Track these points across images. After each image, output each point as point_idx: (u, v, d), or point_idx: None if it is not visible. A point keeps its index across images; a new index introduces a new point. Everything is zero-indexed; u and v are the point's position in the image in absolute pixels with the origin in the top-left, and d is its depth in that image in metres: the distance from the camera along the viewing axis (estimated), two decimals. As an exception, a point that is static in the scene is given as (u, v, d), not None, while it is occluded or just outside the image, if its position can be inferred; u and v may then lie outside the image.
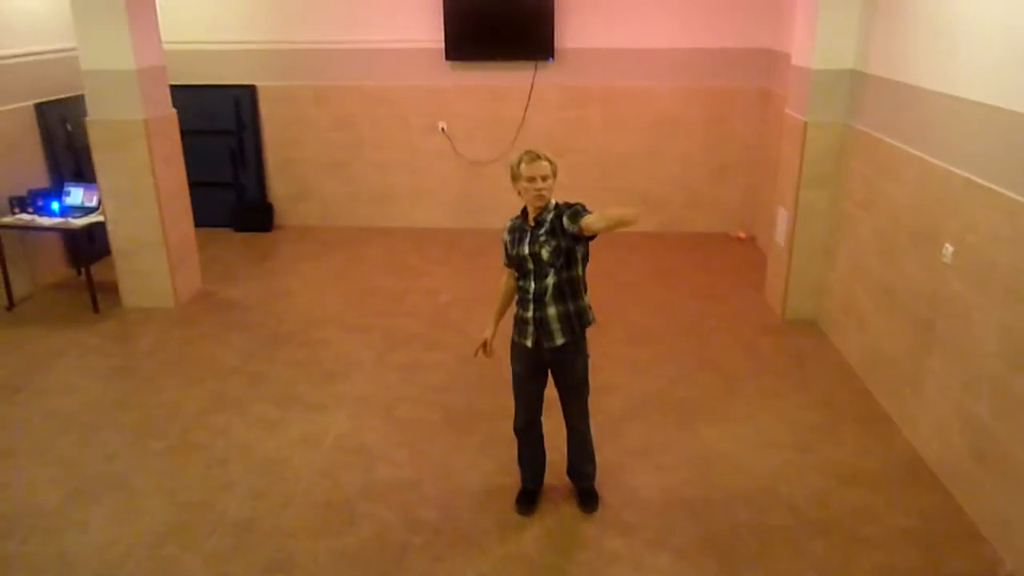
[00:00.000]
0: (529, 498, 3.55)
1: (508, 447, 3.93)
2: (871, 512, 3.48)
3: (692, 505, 3.55)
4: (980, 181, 3.41)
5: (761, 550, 3.26)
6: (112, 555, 3.25)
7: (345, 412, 4.34)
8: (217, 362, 4.92)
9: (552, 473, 3.72)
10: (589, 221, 2.97)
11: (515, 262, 3.28)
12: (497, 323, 3.48)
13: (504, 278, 3.44)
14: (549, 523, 3.44)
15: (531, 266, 3.23)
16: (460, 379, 4.69)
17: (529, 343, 3.29)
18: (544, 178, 3.12)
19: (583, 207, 3.10)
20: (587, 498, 3.55)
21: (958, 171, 3.60)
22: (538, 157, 3.14)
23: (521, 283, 3.30)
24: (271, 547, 3.29)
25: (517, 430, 3.51)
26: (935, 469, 3.75)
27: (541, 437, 3.56)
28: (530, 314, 3.26)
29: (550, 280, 3.21)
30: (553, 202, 3.22)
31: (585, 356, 3.38)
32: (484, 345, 3.47)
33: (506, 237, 3.34)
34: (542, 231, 3.18)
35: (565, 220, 3.08)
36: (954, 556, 3.21)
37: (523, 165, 3.14)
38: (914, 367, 3.99)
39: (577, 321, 3.28)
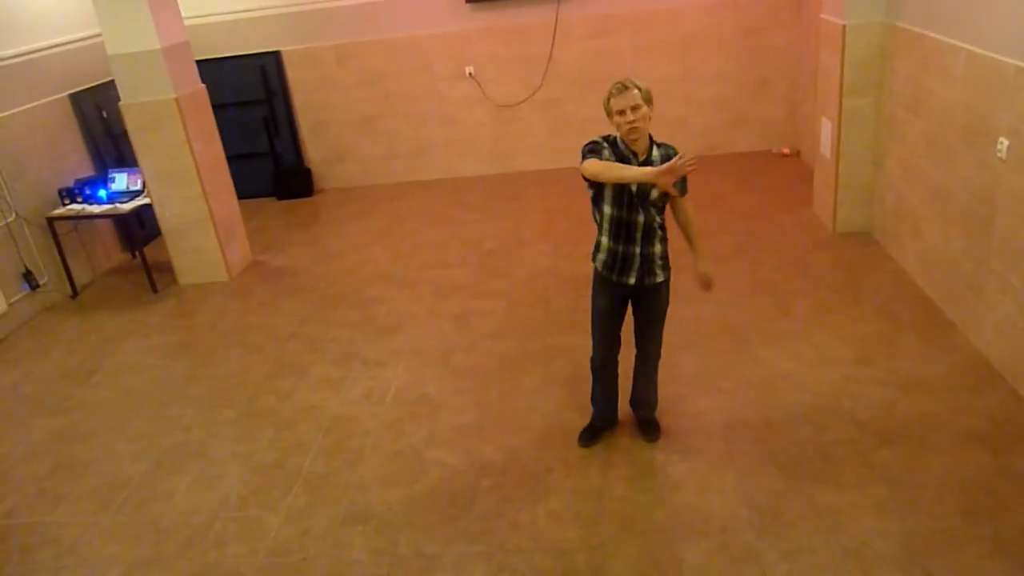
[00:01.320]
0: (594, 433, 3.61)
1: (564, 386, 3.99)
2: (937, 418, 3.44)
3: (753, 427, 3.56)
4: (1034, 68, 3.24)
5: (826, 464, 3.26)
6: (199, 519, 3.43)
7: (403, 365, 4.44)
8: (275, 329, 5.06)
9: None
10: (687, 207, 3.30)
11: (620, 192, 3.09)
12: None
13: (592, 163, 2.99)
14: (613, 455, 3.49)
15: (636, 200, 3.09)
16: (511, 324, 4.74)
17: (632, 280, 3.22)
18: (635, 108, 2.95)
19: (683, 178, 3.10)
20: (649, 427, 3.59)
21: (1009, 60, 3.42)
22: (626, 87, 2.96)
23: (621, 215, 3.13)
24: (347, 500, 3.43)
25: (596, 368, 3.52)
26: (1001, 370, 3.68)
27: (616, 375, 3.57)
28: (638, 249, 3.18)
29: (654, 219, 3.16)
30: (651, 139, 3.10)
31: (669, 291, 3.38)
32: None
33: (608, 153, 3.04)
34: (659, 166, 2.95)
35: (679, 185, 3.15)
36: (1026, 455, 3.17)
37: (612, 99, 2.99)
38: (974, 269, 3.87)
39: (667, 261, 3.30)
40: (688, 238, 3.33)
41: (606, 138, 3.10)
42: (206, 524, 3.40)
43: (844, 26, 4.85)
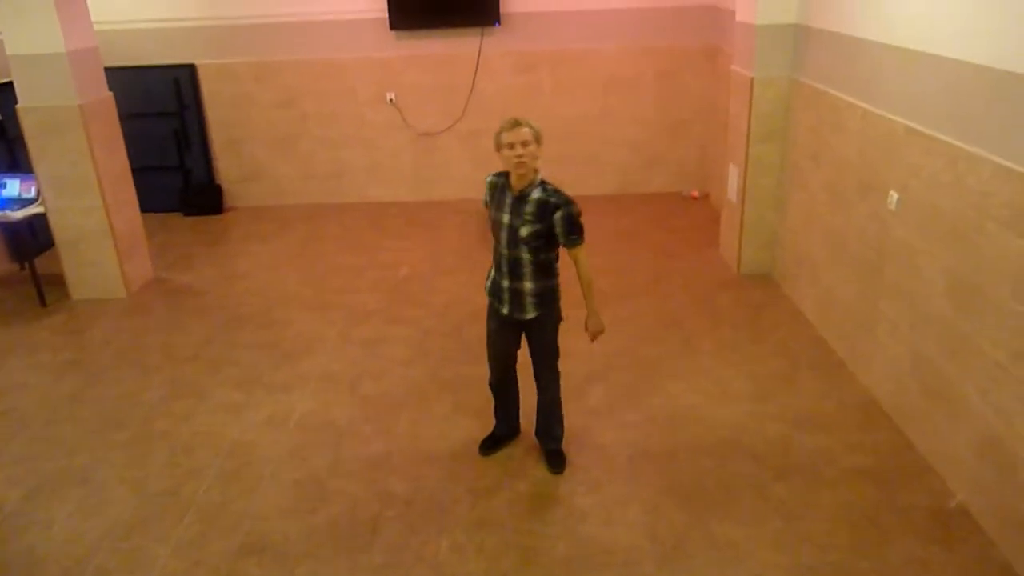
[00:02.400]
0: (493, 441, 3.70)
1: (474, 417, 3.97)
2: (829, 454, 3.60)
3: (657, 459, 3.62)
4: (921, 128, 3.49)
5: (726, 497, 3.35)
6: (79, 549, 3.21)
7: (310, 391, 4.32)
8: (175, 349, 4.84)
9: (520, 438, 3.77)
10: (577, 258, 3.28)
11: (493, 224, 3.30)
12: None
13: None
14: (519, 487, 3.48)
15: (504, 234, 3.23)
16: (423, 353, 4.69)
17: (504, 310, 3.36)
18: (524, 144, 3.10)
19: (578, 230, 3.21)
20: (555, 458, 3.60)
21: (900, 119, 3.68)
22: (519, 123, 3.12)
23: (496, 246, 3.32)
24: (242, 530, 3.28)
25: (492, 386, 3.64)
26: (888, 409, 3.89)
27: (513, 391, 3.67)
28: (506, 284, 3.30)
29: (524, 256, 3.23)
30: (539, 178, 3.21)
31: (555, 322, 3.44)
32: None
33: (487, 189, 3.33)
34: (528, 209, 3.16)
35: (560, 229, 3.18)
36: (908, 490, 3.34)
37: (504, 133, 3.13)
38: (865, 312, 4.10)
39: (549, 297, 3.36)
40: (583, 286, 3.37)
41: (501, 172, 3.29)
42: (86, 555, 3.18)
43: (752, 78, 5.11)
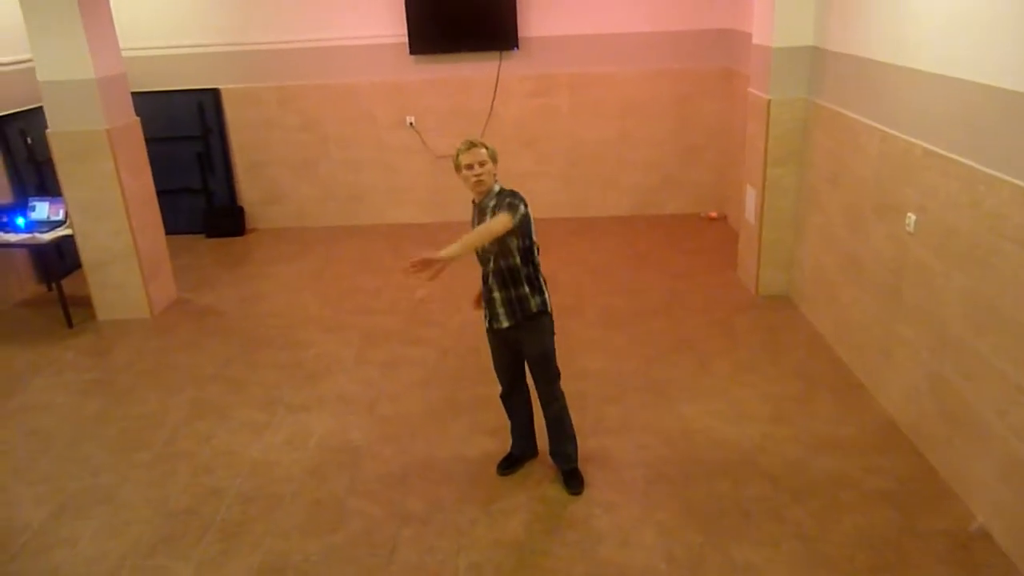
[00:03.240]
0: (510, 461, 3.74)
1: (490, 437, 3.99)
2: (848, 478, 3.58)
3: (674, 481, 3.62)
4: (938, 150, 3.50)
5: (743, 520, 3.34)
6: (103, 568, 3.26)
7: (329, 412, 4.36)
8: (197, 370, 4.91)
9: (538, 459, 3.79)
10: (496, 217, 3.20)
11: None
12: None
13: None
14: (536, 507, 3.49)
15: (483, 247, 3.34)
16: (440, 373, 4.73)
17: (494, 323, 3.49)
18: (481, 163, 3.25)
19: (511, 208, 3.18)
20: (571, 479, 3.62)
21: (917, 141, 3.69)
22: (474, 145, 3.27)
23: (480, 263, 3.46)
24: (263, 550, 3.31)
25: (502, 398, 3.72)
26: (908, 432, 3.86)
27: (526, 403, 3.72)
28: (493, 295, 3.44)
29: (491, 266, 3.38)
30: (496, 188, 3.35)
31: (542, 340, 3.45)
32: None
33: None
34: (486, 218, 3.31)
35: (504, 206, 3.21)
36: (928, 514, 3.31)
37: (461, 155, 3.27)
38: (884, 335, 4.09)
39: (519, 307, 3.39)
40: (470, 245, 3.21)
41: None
42: (110, 573, 3.22)
43: (769, 100, 5.14)
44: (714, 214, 7.46)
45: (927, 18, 3.57)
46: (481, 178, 3.26)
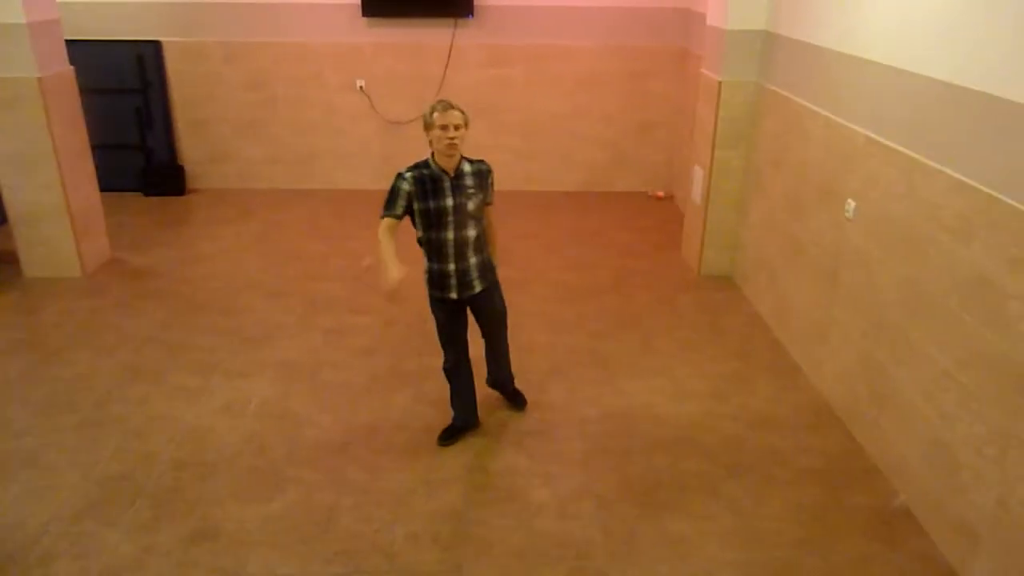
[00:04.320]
0: (452, 432, 3.76)
1: (432, 407, 3.98)
2: (781, 455, 3.68)
3: (614, 455, 3.67)
4: (879, 139, 3.58)
5: (679, 495, 3.41)
6: (26, 532, 3.15)
7: (269, 378, 4.28)
8: (131, 332, 4.76)
9: (479, 431, 3.80)
10: (490, 216, 3.54)
11: (430, 215, 3.31)
12: (393, 261, 3.24)
13: (383, 229, 3.29)
14: (475, 478, 3.50)
15: (451, 217, 3.30)
16: (385, 342, 4.68)
17: (454, 295, 3.44)
18: (456, 127, 3.23)
19: (492, 188, 3.47)
20: (518, 397, 3.99)
21: (860, 129, 3.77)
22: (451, 107, 3.24)
23: (436, 235, 3.35)
24: (196, 516, 3.25)
25: (448, 371, 3.70)
26: (839, 413, 3.99)
27: (471, 373, 3.76)
28: (452, 267, 3.39)
29: (471, 232, 3.36)
30: (460, 155, 3.34)
31: (501, 294, 3.66)
32: (392, 292, 3.23)
33: (409, 187, 3.28)
34: (468, 183, 3.31)
35: (491, 191, 3.44)
36: (855, 491, 3.44)
37: (436, 114, 3.23)
38: (821, 318, 4.20)
39: (488, 269, 3.54)
40: (489, 241, 3.58)
41: (418, 164, 3.32)
42: (33, 538, 3.12)
43: (720, 82, 5.18)
44: (661, 193, 7.53)
45: (877, 9, 3.63)
46: (454, 141, 3.23)
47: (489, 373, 3.95)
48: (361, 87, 7.23)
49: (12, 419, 3.89)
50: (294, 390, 4.17)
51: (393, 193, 3.31)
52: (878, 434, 3.61)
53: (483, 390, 3.94)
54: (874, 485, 3.49)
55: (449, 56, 7.14)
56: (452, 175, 3.31)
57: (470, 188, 3.34)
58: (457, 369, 3.70)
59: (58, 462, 3.58)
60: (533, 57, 7.19)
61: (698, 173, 5.66)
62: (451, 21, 7.01)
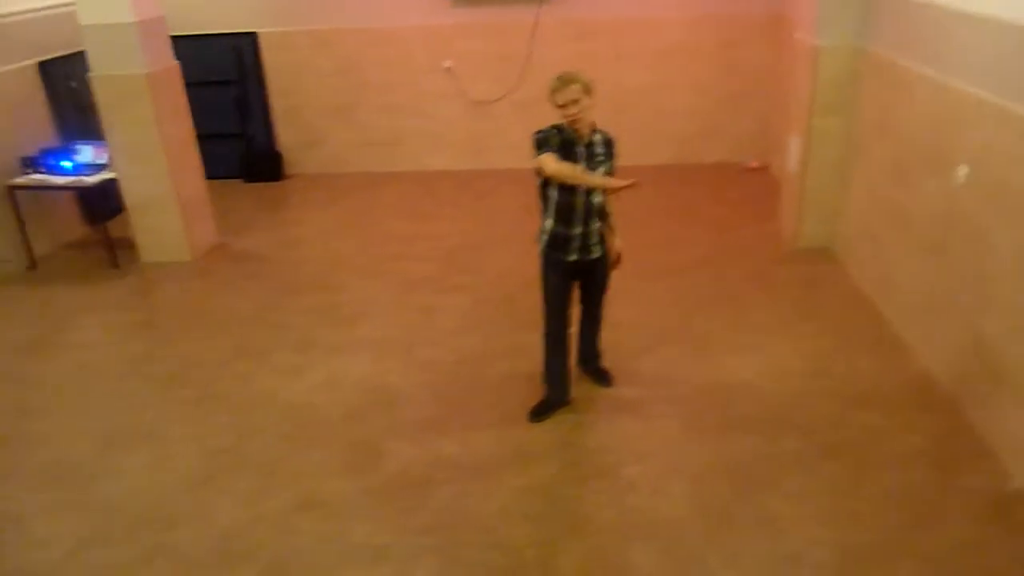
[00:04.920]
0: (546, 407, 3.79)
1: (526, 384, 4.02)
2: (883, 434, 3.54)
3: (706, 433, 3.62)
4: (994, 99, 3.35)
5: (774, 474, 3.34)
6: (150, 498, 3.40)
7: (365, 355, 4.43)
8: (236, 312, 5.02)
9: (570, 408, 3.82)
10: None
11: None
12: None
13: (552, 160, 3.24)
14: (568, 455, 3.53)
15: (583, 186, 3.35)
16: (476, 320, 4.76)
17: (575, 256, 3.51)
18: (575, 101, 3.23)
19: (613, 161, 3.50)
20: (605, 375, 4.00)
21: (972, 89, 3.54)
22: (567, 82, 3.22)
23: (565, 199, 3.41)
24: (300, 487, 3.42)
25: (550, 336, 3.71)
26: (947, 390, 3.79)
27: (568, 346, 3.79)
28: (578, 230, 3.46)
29: (597, 198, 3.44)
30: (592, 123, 3.37)
31: (608, 261, 3.70)
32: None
33: (553, 137, 3.29)
34: (598, 151, 3.38)
35: (612, 162, 3.48)
36: (965, 473, 3.28)
37: (555, 93, 3.26)
38: (928, 290, 3.99)
39: (601, 237, 3.59)
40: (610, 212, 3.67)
41: (554, 126, 3.36)
42: (157, 503, 3.36)
43: (817, 47, 4.95)
44: (756, 164, 7.29)
45: (991, -42, 3.38)
46: (577, 115, 3.25)
47: (580, 350, 3.98)
48: (448, 68, 7.30)
49: (135, 394, 4.19)
50: (390, 367, 4.30)
51: (542, 139, 3.30)
52: (991, 413, 3.42)
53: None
54: (986, 467, 3.31)
55: (533, 33, 7.10)
56: (584, 142, 3.37)
57: (599, 156, 3.40)
58: (559, 336, 3.70)
59: (175, 434, 3.83)
60: (618, 31, 7.05)
61: (794, 142, 5.44)
62: (536, -3, 6.97)
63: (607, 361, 4.06)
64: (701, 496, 3.24)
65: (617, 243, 3.72)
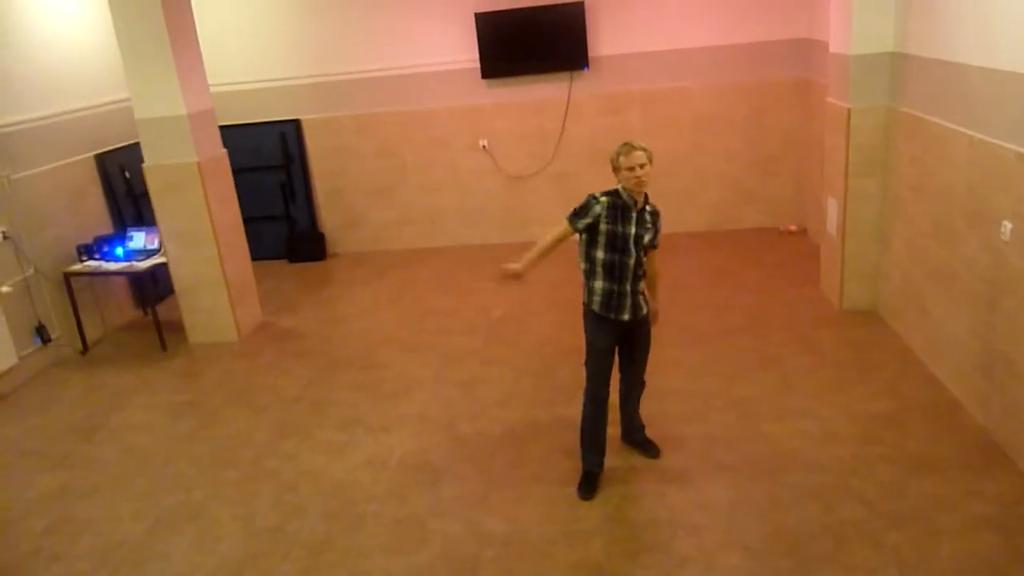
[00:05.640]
0: (592, 481, 3.73)
1: (568, 457, 3.96)
2: (947, 501, 3.39)
3: (760, 504, 3.51)
4: (1034, 154, 3.32)
5: (835, 546, 3.20)
6: (196, 582, 3.38)
7: (408, 431, 4.42)
8: (281, 391, 5.07)
9: (610, 481, 3.74)
10: (653, 256, 3.74)
11: (615, 238, 3.52)
12: (534, 265, 3.67)
13: (559, 231, 3.61)
14: (616, 530, 3.44)
15: (632, 244, 3.51)
16: (517, 393, 4.73)
17: (626, 316, 3.59)
18: (642, 166, 3.44)
19: (659, 232, 3.69)
20: (650, 446, 3.96)
21: (1009, 146, 3.51)
22: (634, 148, 3.46)
23: (617, 258, 3.54)
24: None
25: (594, 399, 3.70)
26: (1010, 453, 3.64)
27: (607, 412, 3.75)
28: (628, 288, 3.57)
29: (639, 259, 3.56)
30: (646, 193, 3.58)
31: (650, 324, 3.79)
32: (516, 276, 3.71)
33: (600, 210, 3.50)
34: (647, 219, 3.55)
35: (658, 233, 3.66)
36: (1038, 541, 3.11)
37: (621, 157, 3.47)
38: (981, 349, 3.88)
39: (644, 298, 3.70)
40: (651, 282, 3.80)
41: (611, 192, 3.51)
42: (202, 588, 3.34)
43: (849, 109, 4.99)
44: (793, 227, 7.26)
45: (1016, 17, 3.41)
46: (642, 179, 3.45)
47: (623, 423, 3.95)
48: (484, 146, 7.49)
49: (182, 474, 4.22)
50: (433, 442, 4.28)
51: (585, 207, 3.52)
52: (1061, 476, 3.26)
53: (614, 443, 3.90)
54: (1061, 534, 3.14)
55: (567, 109, 7.28)
56: (638, 207, 3.52)
57: (648, 223, 3.57)
58: (599, 400, 3.68)
59: (221, 515, 3.84)
60: (649, 101, 7.20)
61: (832, 204, 5.43)
62: (567, 75, 7.17)
63: (651, 430, 3.99)
64: (759, 571, 3.12)
65: (660, 301, 3.91)
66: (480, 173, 7.61)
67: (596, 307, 3.61)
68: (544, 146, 7.41)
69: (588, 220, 3.51)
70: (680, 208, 7.43)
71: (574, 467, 3.86)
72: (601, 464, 3.78)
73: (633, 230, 3.51)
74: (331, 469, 4.13)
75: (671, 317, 5.51)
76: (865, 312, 5.32)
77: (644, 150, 3.45)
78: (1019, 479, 3.48)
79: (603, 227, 3.49)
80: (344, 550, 3.48)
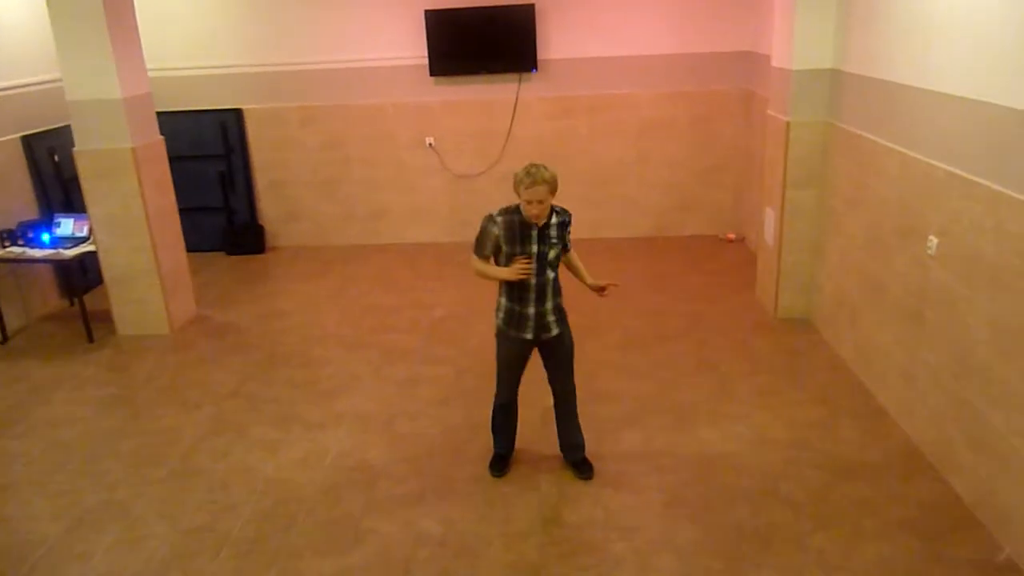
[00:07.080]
0: (501, 461, 3.89)
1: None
2: (870, 504, 3.51)
3: (693, 506, 3.57)
4: (961, 173, 3.47)
5: (763, 547, 3.28)
6: (118, 583, 3.26)
7: (345, 430, 4.36)
8: (215, 386, 4.93)
9: (550, 479, 3.76)
10: (571, 256, 3.71)
11: (514, 257, 3.45)
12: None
13: (477, 264, 3.56)
14: (553, 530, 3.46)
15: (536, 264, 3.45)
16: (458, 392, 4.71)
17: (530, 336, 3.57)
18: (540, 201, 3.33)
19: (569, 238, 3.61)
20: (585, 467, 3.83)
21: (939, 164, 3.66)
22: (536, 182, 3.29)
23: (519, 280, 3.48)
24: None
25: (501, 407, 3.82)
26: (932, 459, 3.79)
27: (517, 412, 3.90)
28: (531, 310, 3.52)
29: (549, 277, 3.49)
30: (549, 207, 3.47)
31: (571, 338, 3.71)
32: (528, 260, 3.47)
33: (497, 231, 3.44)
34: (552, 234, 3.45)
35: (567, 239, 3.57)
36: (953, 544, 3.24)
37: (522, 187, 3.34)
38: (907, 359, 4.03)
39: (562, 313, 3.66)
40: (577, 273, 3.75)
41: (509, 209, 3.47)
42: (124, 589, 3.22)
43: (788, 123, 5.13)
44: (732, 236, 7.43)
45: (949, 40, 3.55)
46: (539, 215, 3.37)
47: (560, 435, 3.89)
48: (431, 144, 7.45)
49: (107, 471, 4.06)
50: (370, 441, 4.23)
51: (483, 234, 3.48)
52: (976, 482, 3.41)
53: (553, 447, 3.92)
54: (974, 537, 3.28)
55: (515, 110, 7.29)
56: (540, 226, 3.45)
57: (553, 239, 3.48)
58: (509, 407, 3.82)
59: (146, 514, 3.71)
60: (596, 107, 7.27)
61: (769, 215, 5.57)
62: (516, 76, 7.19)
63: (588, 433, 3.98)
64: (690, 571, 3.17)
65: (592, 281, 3.69)
66: (426, 171, 7.55)
67: (500, 322, 3.62)
68: (491, 146, 7.41)
69: (491, 245, 3.47)
70: (624, 213, 7.53)
71: (514, 467, 3.86)
72: (510, 448, 3.93)
73: (535, 248, 3.44)
74: (264, 467, 4.03)
75: (614, 322, 5.58)
76: (799, 320, 5.47)
77: (547, 183, 3.29)
78: (940, 485, 3.62)
79: (503, 249, 3.45)
80: (275, 550, 3.41)
